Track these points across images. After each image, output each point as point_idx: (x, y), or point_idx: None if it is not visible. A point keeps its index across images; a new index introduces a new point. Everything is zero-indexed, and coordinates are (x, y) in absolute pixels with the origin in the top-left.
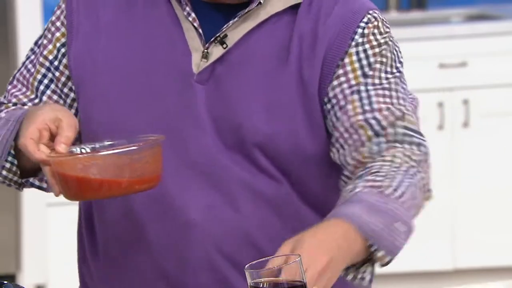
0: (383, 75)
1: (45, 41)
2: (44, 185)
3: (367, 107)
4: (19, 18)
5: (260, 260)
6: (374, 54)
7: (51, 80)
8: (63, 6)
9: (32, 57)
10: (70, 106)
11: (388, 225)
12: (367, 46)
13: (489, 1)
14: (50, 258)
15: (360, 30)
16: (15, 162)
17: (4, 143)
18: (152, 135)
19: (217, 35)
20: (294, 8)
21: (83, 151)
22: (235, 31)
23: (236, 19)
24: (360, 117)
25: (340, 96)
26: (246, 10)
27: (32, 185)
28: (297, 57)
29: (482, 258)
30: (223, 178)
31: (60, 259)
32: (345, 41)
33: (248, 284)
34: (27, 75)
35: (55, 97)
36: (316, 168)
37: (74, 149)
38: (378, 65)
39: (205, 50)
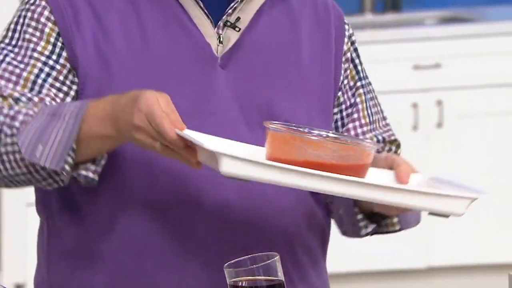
0: (366, 76)
1: (34, 39)
2: (97, 177)
3: (370, 118)
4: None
5: (239, 259)
6: (358, 56)
7: (48, 74)
8: (43, 3)
9: (12, 54)
10: (73, 98)
11: None
12: (356, 45)
13: (462, 4)
14: (29, 257)
15: (347, 27)
16: (73, 156)
17: (66, 139)
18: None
19: (227, 19)
20: None
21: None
22: (243, 13)
23: (239, 0)
24: (366, 130)
25: (345, 96)
26: None
27: (85, 178)
28: (308, 40)
29: (455, 257)
30: None
31: None
32: (343, 32)
33: (228, 283)
34: (17, 71)
35: (54, 90)
36: None
37: None
38: (362, 66)
39: (220, 35)
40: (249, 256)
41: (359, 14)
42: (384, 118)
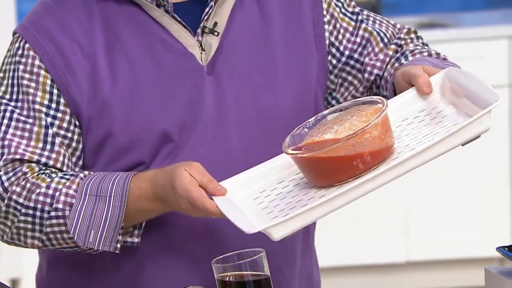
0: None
1: (30, 90)
2: (136, 240)
3: (384, 40)
4: None
5: (226, 255)
6: (342, 3)
7: (52, 124)
8: (31, 53)
9: (17, 110)
10: (78, 141)
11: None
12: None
13: (439, 10)
14: (24, 253)
15: None
16: (122, 233)
17: (115, 222)
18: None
19: (204, 25)
20: None
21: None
22: (219, 17)
23: (213, 5)
24: (384, 53)
25: (342, 49)
26: None
27: (131, 243)
28: (279, 24)
29: (433, 251)
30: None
31: (34, 254)
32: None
33: (215, 278)
34: (27, 126)
35: (60, 138)
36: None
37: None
38: (350, 6)
39: (202, 43)
40: (236, 252)
41: None
42: (394, 26)
